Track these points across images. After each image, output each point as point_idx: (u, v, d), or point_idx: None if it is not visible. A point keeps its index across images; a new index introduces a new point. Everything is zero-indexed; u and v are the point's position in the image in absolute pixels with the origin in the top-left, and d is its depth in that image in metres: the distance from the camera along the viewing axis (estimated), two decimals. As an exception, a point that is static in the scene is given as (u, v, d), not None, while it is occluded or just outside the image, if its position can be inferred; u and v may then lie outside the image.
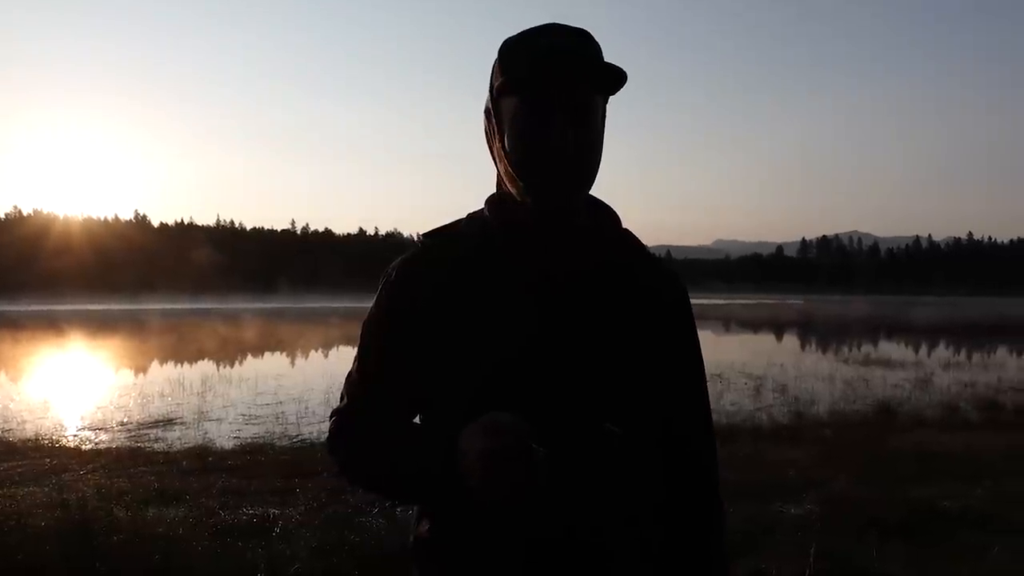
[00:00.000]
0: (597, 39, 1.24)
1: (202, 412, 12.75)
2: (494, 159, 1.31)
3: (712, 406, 1.48)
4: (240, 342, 30.83)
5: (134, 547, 4.64)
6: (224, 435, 10.76)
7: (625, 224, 1.38)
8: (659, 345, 1.32)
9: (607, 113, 1.28)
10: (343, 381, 1.38)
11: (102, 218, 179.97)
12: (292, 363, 23.49)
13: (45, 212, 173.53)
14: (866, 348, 28.74)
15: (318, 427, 10.76)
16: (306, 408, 12.93)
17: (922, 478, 7.04)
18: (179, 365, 22.00)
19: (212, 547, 4.84)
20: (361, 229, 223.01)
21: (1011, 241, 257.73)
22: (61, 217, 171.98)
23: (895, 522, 5.45)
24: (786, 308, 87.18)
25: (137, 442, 10.18)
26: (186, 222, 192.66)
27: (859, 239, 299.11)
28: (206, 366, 21.44)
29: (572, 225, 1.28)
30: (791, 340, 35.80)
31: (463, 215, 1.38)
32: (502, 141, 1.25)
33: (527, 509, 1.17)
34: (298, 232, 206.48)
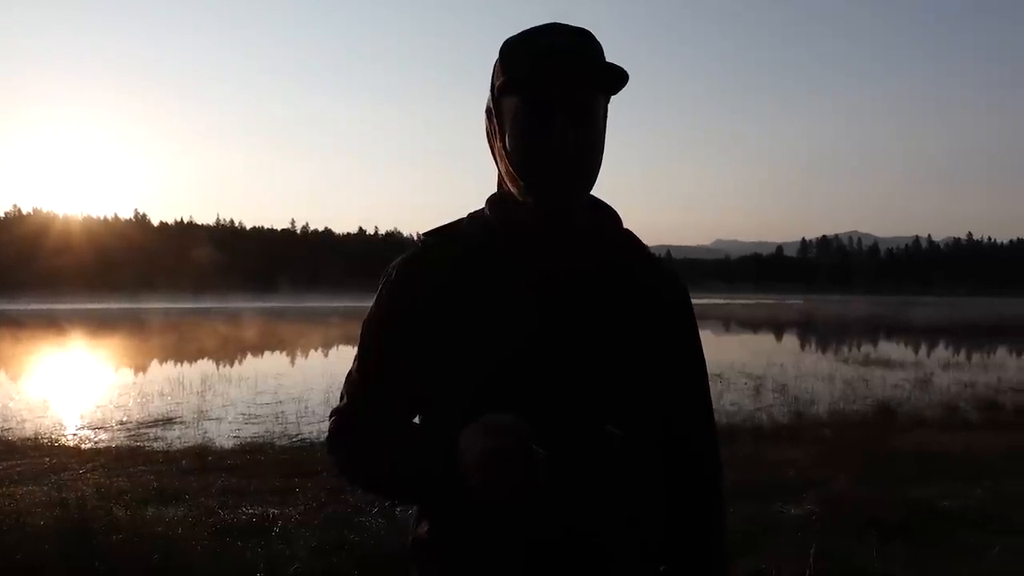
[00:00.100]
0: (598, 38, 1.24)
1: (201, 411, 12.74)
2: (495, 159, 1.30)
3: (712, 406, 1.48)
4: (240, 341, 30.83)
5: (133, 546, 4.64)
6: (224, 434, 10.76)
7: (625, 224, 1.38)
8: (660, 345, 1.32)
9: (608, 113, 1.28)
10: (343, 381, 1.38)
11: (102, 217, 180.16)
12: (292, 362, 23.49)
13: (45, 211, 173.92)
14: (866, 348, 28.74)
15: (318, 427, 10.76)
16: (306, 408, 12.93)
17: (922, 478, 7.04)
18: (179, 364, 22.00)
19: (211, 547, 4.83)
20: (361, 228, 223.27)
21: (1011, 241, 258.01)
22: (61, 216, 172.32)
23: (895, 522, 5.44)
24: (786, 308, 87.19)
25: (136, 441, 10.18)
26: (186, 221, 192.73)
27: (859, 239, 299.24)
28: (206, 365, 21.43)
29: (573, 225, 1.27)
30: (791, 340, 35.80)
31: (464, 215, 1.37)
32: (503, 141, 1.25)
33: (527, 509, 1.16)
34: (298, 231, 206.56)
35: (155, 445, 9.84)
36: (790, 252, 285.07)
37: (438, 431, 1.21)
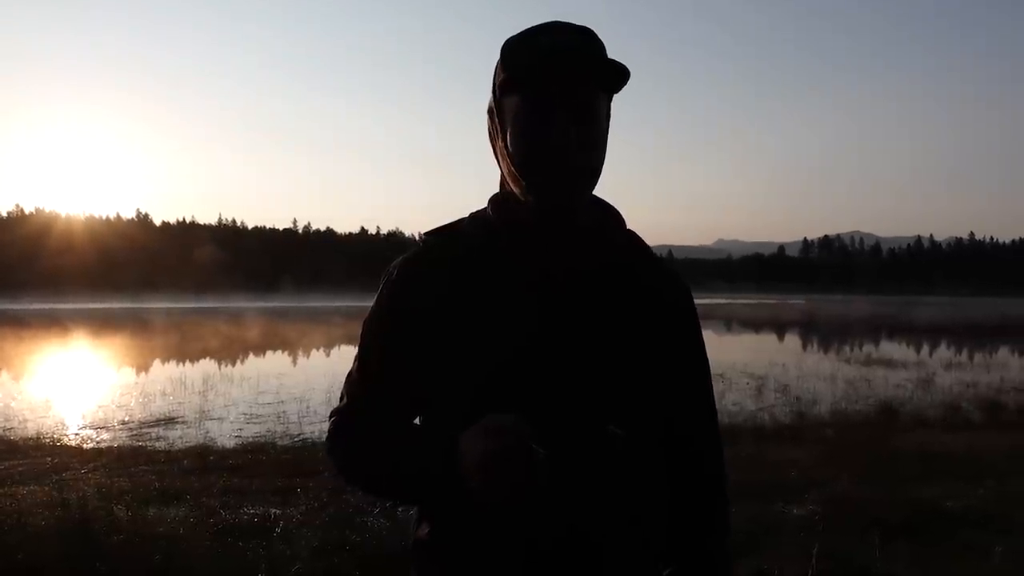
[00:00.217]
0: (600, 37, 1.23)
1: (203, 411, 12.76)
2: (497, 158, 1.30)
3: (716, 406, 1.47)
4: (242, 341, 30.86)
5: (134, 547, 4.63)
6: (225, 434, 10.77)
7: (628, 225, 1.37)
8: (662, 345, 1.31)
9: (612, 112, 1.27)
10: (343, 381, 1.37)
11: (104, 217, 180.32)
12: (294, 362, 23.52)
13: (47, 211, 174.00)
14: (868, 348, 28.73)
15: (320, 427, 10.75)
16: (308, 407, 12.94)
17: (925, 478, 7.03)
18: (181, 364, 22.02)
19: (213, 547, 4.83)
20: (363, 228, 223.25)
21: (1013, 241, 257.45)
22: (63, 216, 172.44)
23: (898, 522, 5.44)
24: (788, 308, 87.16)
25: (138, 441, 10.19)
26: (188, 221, 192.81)
27: (861, 239, 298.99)
28: (208, 365, 21.46)
29: (574, 224, 1.26)
30: (793, 340, 35.80)
31: (466, 215, 1.37)
32: (504, 140, 1.24)
33: (527, 510, 1.16)
34: (300, 231, 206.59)
35: (157, 445, 9.85)
36: (792, 252, 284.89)
37: (439, 431, 1.20)
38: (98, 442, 10.14)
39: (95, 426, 11.55)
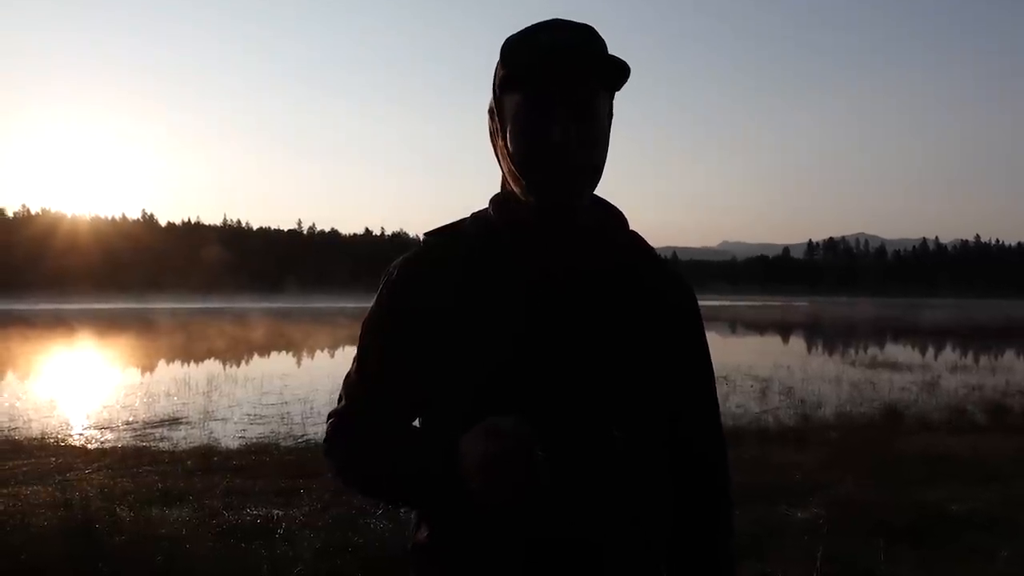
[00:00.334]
0: (600, 34, 1.22)
1: (208, 412, 12.77)
2: (498, 158, 1.29)
3: (720, 408, 1.46)
4: (246, 342, 30.89)
5: (137, 547, 4.63)
6: (229, 435, 10.78)
7: (631, 226, 1.36)
8: (664, 346, 1.30)
9: (614, 111, 1.26)
10: (342, 382, 1.36)
11: (109, 217, 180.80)
12: (298, 363, 23.54)
13: (53, 211, 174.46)
14: (873, 351, 28.66)
15: (323, 428, 10.67)
16: (311, 408, 12.93)
17: (929, 481, 7.00)
18: (185, 364, 22.05)
19: (215, 548, 4.82)
20: (367, 229, 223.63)
21: (1019, 243, 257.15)
22: (69, 216, 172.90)
23: (902, 525, 5.41)
24: (792, 310, 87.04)
25: (142, 441, 10.20)
26: (193, 221, 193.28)
27: (866, 241, 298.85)
28: (212, 366, 21.49)
29: (575, 223, 1.25)
30: (797, 342, 35.73)
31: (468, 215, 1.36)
32: (505, 139, 1.23)
33: (528, 512, 1.15)
34: (304, 232, 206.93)
35: (161, 445, 9.86)
36: (796, 254, 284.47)
37: (439, 433, 1.20)
38: (102, 442, 10.15)
39: (99, 426, 11.57)
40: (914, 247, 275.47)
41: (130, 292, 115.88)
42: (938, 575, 4.66)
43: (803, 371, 19.31)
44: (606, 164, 1.24)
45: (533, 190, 1.21)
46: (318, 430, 10.63)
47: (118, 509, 5.65)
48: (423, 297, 1.25)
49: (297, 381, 17.30)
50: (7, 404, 13.69)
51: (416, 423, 1.32)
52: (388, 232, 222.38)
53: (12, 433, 10.56)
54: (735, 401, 13.62)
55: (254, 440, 10.12)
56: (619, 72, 1.19)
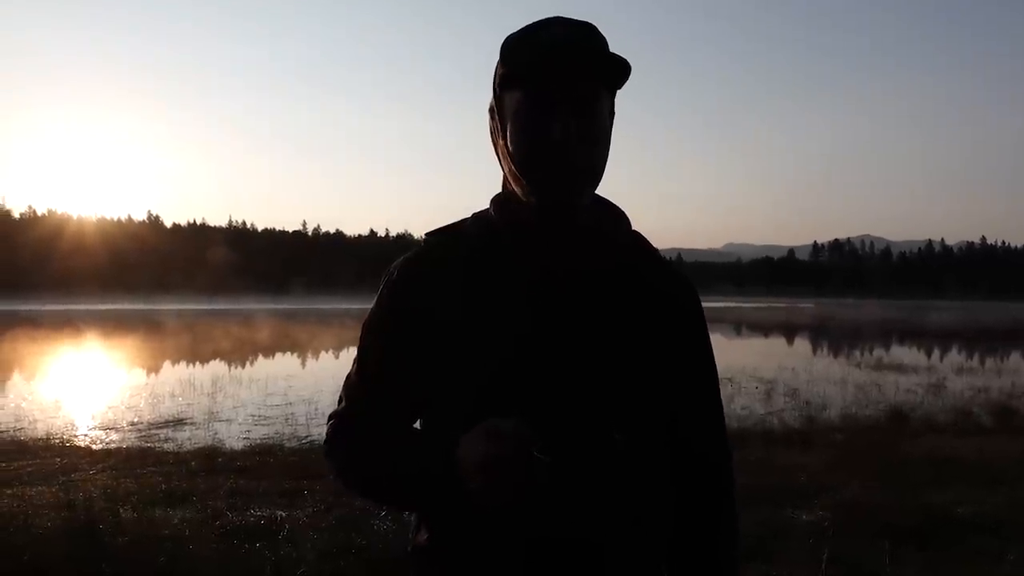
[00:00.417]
0: (601, 32, 1.21)
1: (212, 413, 12.78)
2: (498, 158, 1.28)
3: (723, 410, 1.45)
4: (251, 343, 30.94)
5: (140, 548, 4.64)
6: (233, 436, 10.79)
7: (635, 226, 1.35)
8: (666, 347, 1.29)
9: (616, 110, 1.25)
10: (342, 383, 1.35)
11: (115, 218, 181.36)
12: (303, 364, 23.58)
13: (59, 212, 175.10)
14: (878, 352, 28.61)
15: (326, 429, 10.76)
16: (316, 409, 12.94)
17: (935, 484, 6.97)
18: (190, 365, 22.10)
19: (218, 549, 4.82)
20: (372, 231, 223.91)
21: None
22: (75, 217, 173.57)
23: (908, 528, 5.39)
24: (797, 312, 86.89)
25: (147, 442, 10.21)
26: (199, 223, 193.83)
27: (871, 243, 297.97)
28: (217, 367, 21.52)
29: (576, 223, 1.25)
30: (802, 344, 35.67)
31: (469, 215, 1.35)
32: (505, 138, 1.22)
33: (528, 513, 1.14)
34: (309, 234, 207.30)
35: (165, 446, 9.87)
36: (802, 256, 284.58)
37: (439, 434, 1.19)
38: (107, 443, 10.17)
39: (104, 427, 11.59)
40: (920, 249, 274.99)
41: (136, 293, 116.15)
42: (944, 578, 4.64)
43: (808, 373, 19.27)
44: (608, 164, 1.23)
45: (534, 188, 1.20)
46: (322, 431, 10.49)
47: (122, 510, 5.66)
48: (424, 297, 1.25)
49: (302, 382, 17.32)
50: (13, 405, 13.72)
51: (417, 424, 1.32)
52: (393, 233, 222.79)
53: (17, 433, 10.58)
54: (740, 403, 13.60)
55: (258, 441, 10.13)
56: (620, 70, 1.18)
